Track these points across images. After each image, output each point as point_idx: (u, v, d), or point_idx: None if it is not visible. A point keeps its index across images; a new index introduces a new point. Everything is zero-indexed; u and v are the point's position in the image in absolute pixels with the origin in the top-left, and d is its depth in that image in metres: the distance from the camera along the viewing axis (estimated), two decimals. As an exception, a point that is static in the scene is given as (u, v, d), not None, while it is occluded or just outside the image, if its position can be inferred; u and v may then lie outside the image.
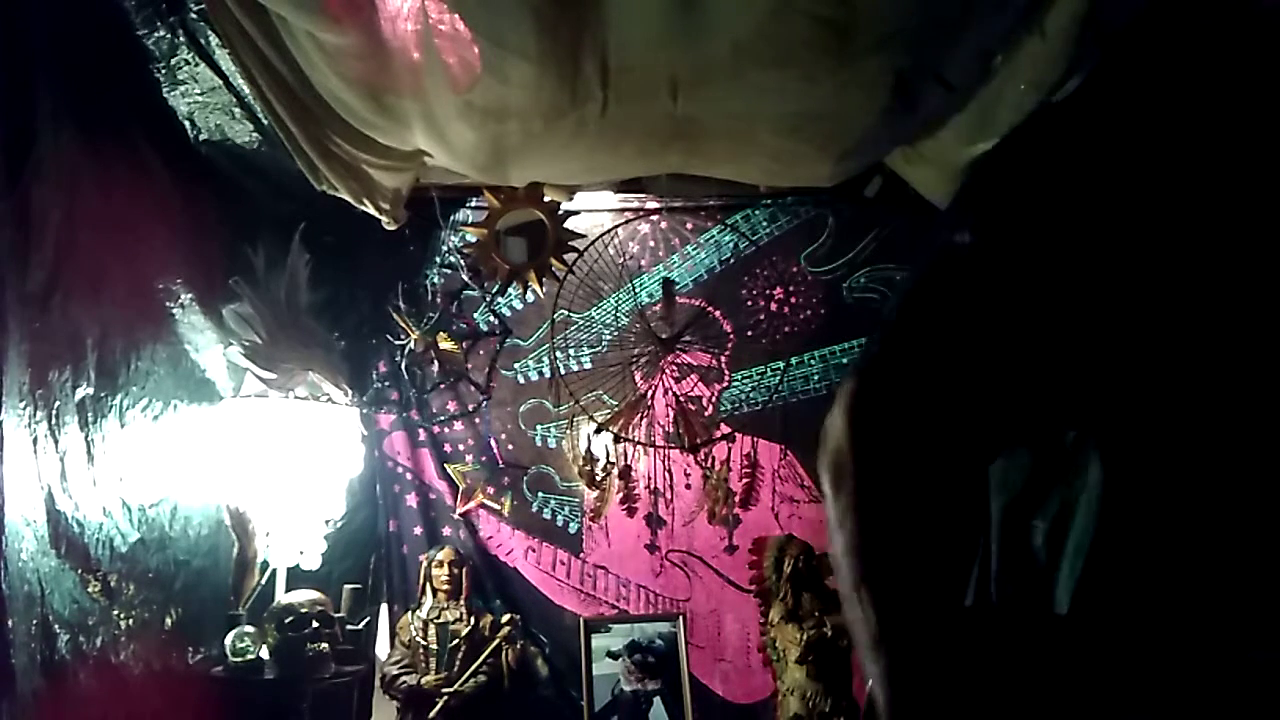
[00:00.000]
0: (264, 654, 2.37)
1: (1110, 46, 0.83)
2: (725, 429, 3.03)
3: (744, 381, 3.07)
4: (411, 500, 3.03)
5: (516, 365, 3.11)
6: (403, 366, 3.05)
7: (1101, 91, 0.83)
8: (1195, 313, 0.70)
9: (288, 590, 2.53)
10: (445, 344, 3.03)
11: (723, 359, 3.08)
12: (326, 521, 2.66)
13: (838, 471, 0.80)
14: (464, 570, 2.84)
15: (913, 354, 0.80)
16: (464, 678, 2.66)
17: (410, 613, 2.81)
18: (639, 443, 3.04)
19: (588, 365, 3.10)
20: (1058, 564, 0.73)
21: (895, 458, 0.78)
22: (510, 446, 3.08)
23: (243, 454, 2.44)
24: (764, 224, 3.12)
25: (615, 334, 3.10)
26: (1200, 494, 0.68)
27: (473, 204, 3.10)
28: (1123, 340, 0.73)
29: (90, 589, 1.88)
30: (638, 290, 3.11)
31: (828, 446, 0.82)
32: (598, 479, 2.98)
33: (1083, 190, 0.75)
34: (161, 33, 2.03)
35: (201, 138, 2.36)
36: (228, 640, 2.33)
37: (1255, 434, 0.68)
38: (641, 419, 3.06)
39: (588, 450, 3.00)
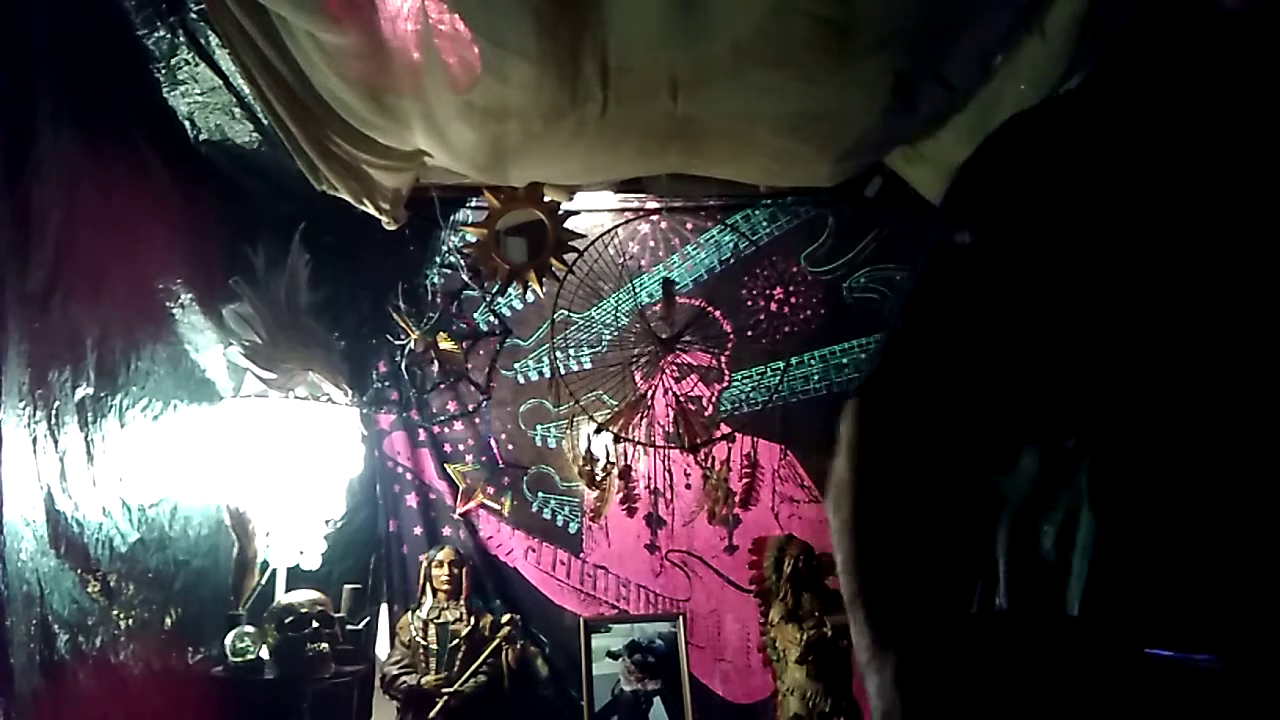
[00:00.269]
0: (264, 654, 2.37)
1: (1108, 47, 0.83)
2: (725, 429, 3.03)
3: (744, 381, 3.07)
4: (411, 500, 3.02)
5: (516, 365, 3.11)
6: (403, 366, 3.05)
7: (1089, 91, 0.83)
8: (1186, 312, 0.70)
9: (288, 590, 2.52)
10: (445, 344, 3.03)
11: (723, 359, 3.08)
12: (326, 521, 2.65)
13: (838, 491, 0.81)
14: (464, 570, 2.84)
15: (914, 367, 0.81)
16: (464, 678, 2.66)
17: (410, 613, 2.81)
18: (639, 443, 3.04)
19: (588, 365, 3.10)
20: (1068, 566, 0.73)
21: (893, 476, 0.79)
22: (510, 446, 3.08)
23: (243, 454, 2.44)
24: (764, 224, 3.12)
25: (615, 334, 3.10)
26: (1199, 493, 0.68)
27: (473, 204, 3.10)
28: (1116, 340, 0.72)
29: (90, 589, 1.88)
30: (638, 290, 3.11)
31: (833, 468, 0.83)
32: (598, 479, 2.98)
33: (1066, 191, 0.75)
34: (161, 33, 2.03)
35: (201, 138, 2.36)
36: (228, 640, 2.33)
37: (1255, 429, 0.68)
38: (641, 419, 3.06)
39: (588, 450, 3.00)
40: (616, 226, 3.12)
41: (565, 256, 3.00)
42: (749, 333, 3.08)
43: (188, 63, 2.12)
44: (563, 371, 3.08)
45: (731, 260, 3.11)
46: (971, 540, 0.81)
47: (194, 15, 1.99)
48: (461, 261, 3.06)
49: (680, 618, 2.92)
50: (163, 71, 2.14)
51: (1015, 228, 0.76)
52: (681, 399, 3.06)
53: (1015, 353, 0.77)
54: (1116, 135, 0.75)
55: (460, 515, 2.99)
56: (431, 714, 2.61)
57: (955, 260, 0.81)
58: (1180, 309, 0.70)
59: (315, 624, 2.41)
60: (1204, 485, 0.68)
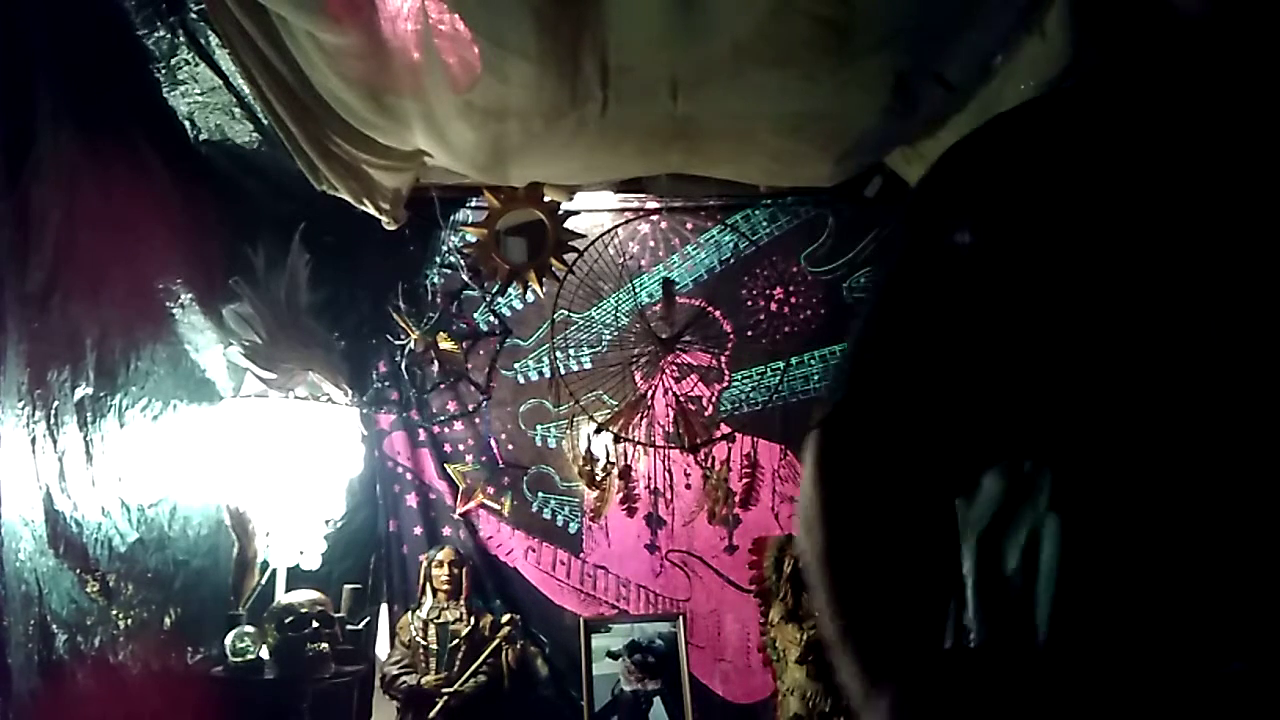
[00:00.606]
0: (264, 654, 2.37)
1: (1098, 49, 0.82)
2: (725, 429, 3.03)
3: (744, 381, 3.07)
4: (411, 500, 3.02)
5: (516, 365, 3.11)
6: (403, 366, 3.05)
7: (1059, 98, 0.82)
8: (1147, 327, 0.68)
9: (288, 590, 2.52)
10: (445, 344, 3.03)
11: (723, 359, 3.08)
12: (326, 521, 2.65)
13: (808, 526, 0.79)
14: (464, 570, 2.84)
15: (877, 390, 0.79)
16: (464, 678, 2.66)
17: (410, 613, 2.81)
18: (639, 443, 3.04)
19: (588, 365, 3.09)
20: (1034, 590, 0.71)
21: (865, 508, 0.77)
22: (510, 446, 3.08)
23: (243, 454, 2.44)
24: (764, 224, 3.12)
25: (615, 334, 3.10)
26: (1164, 509, 0.66)
27: (473, 204, 3.09)
28: (1076, 357, 0.71)
29: (89, 589, 1.88)
30: (638, 290, 3.11)
31: (800, 501, 0.81)
32: (598, 479, 2.98)
33: (1029, 202, 0.73)
34: (161, 33, 2.03)
35: (201, 138, 2.36)
36: (228, 640, 2.33)
37: (1222, 445, 0.66)
38: (641, 419, 3.05)
39: (588, 450, 3.00)
40: (616, 226, 3.12)
41: (565, 256, 3.00)
42: (749, 333, 3.08)
43: (188, 63, 2.12)
44: (563, 371, 3.08)
45: (731, 260, 3.11)
46: (943, 567, 0.79)
47: (194, 15, 1.99)
48: (461, 261, 3.06)
49: (680, 618, 2.92)
50: (163, 71, 2.14)
51: (976, 241, 0.75)
52: (681, 399, 3.06)
53: (977, 370, 0.75)
54: (1086, 144, 0.74)
55: (460, 515, 2.99)
56: (431, 714, 2.61)
57: (916, 275, 0.79)
58: (1144, 323, 0.68)
59: (315, 624, 2.41)
60: (1171, 503, 0.66)
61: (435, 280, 3.10)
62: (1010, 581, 0.72)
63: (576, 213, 3.05)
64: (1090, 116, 0.76)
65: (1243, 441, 0.65)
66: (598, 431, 3.02)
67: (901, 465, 0.77)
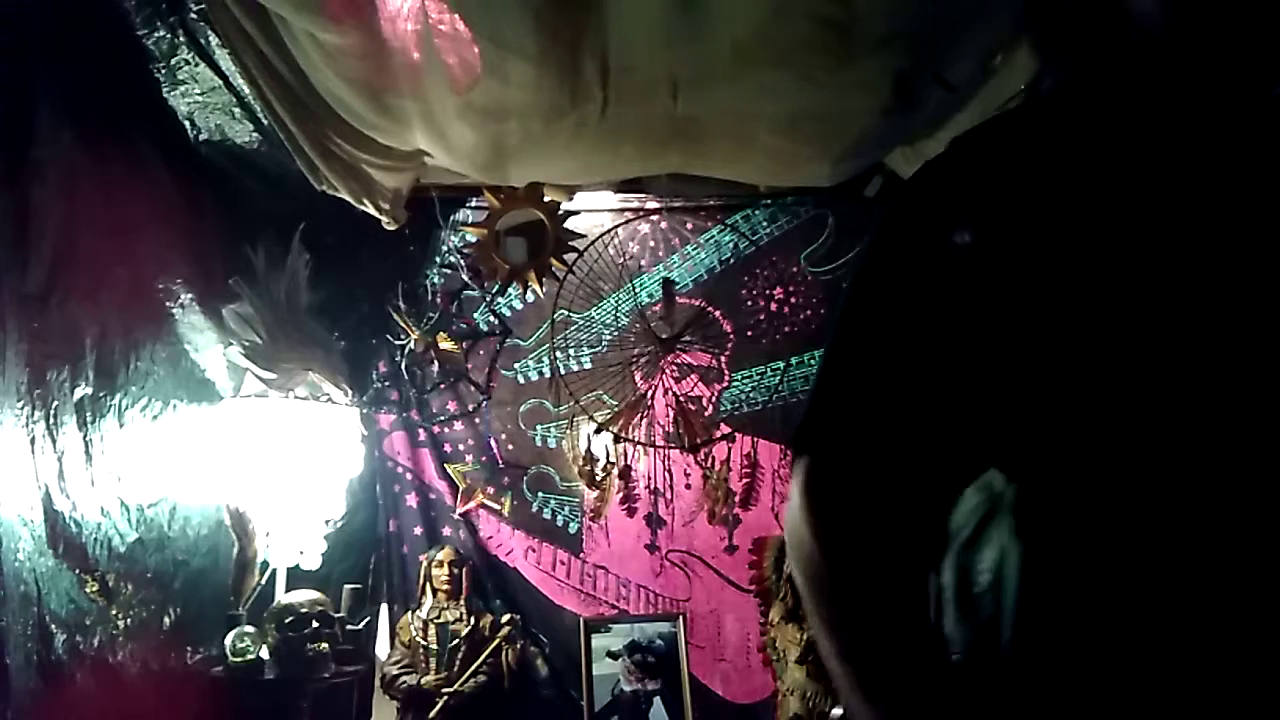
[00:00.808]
0: (264, 654, 2.36)
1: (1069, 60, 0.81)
2: (725, 429, 3.03)
3: (744, 381, 3.07)
4: (411, 500, 3.02)
5: (516, 365, 3.11)
6: (403, 366, 3.05)
7: (1034, 108, 0.81)
8: (1109, 345, 0.67)
9: (288, 590, 2.52)
10: (445, 344, 3.03)
11: (723, 359, 3.08)
12: (326, 521, 2.65)
13: (807, 564, 0.77)
14: (464, 570, 2.84)
15: (857, 407, 0.77)
16: (464, 678, 2.66)
17: (410, 613, 2.81)
18: (639, 443, 3.04)
19: (588, 365, 3.09)
20: (999, 603, 0.70)
21: (866, 547, 0.75)
22: (510, 446, 3.08)
23: (243, 454, 2.44)
24: (764, 224, 3.12)
25: (615, 334, 3.10)
26: (1126, 540, 0.66)
27: (473, 204, 3.09)
28: (1038, 373, 0.70)
29: (88, 589, 1.88)
30: (638, 290, 3.11)
31: (793, 538, 0.79)
32: (598, 479, 2.98)
33: (1002, 215, 0.73)
34: (161, 33, 2.03)
35: (201, 138, 2.36)
36: (228, 640, 2.32)
37: (1186, 467, 0.65)
38: (641, 419, 3.05)
39: (588, 450, 3.00)
40: (616, 226, 3.12)
41: (565, 256, 3.00)
42: (749, 333, 3.08)
43: (188, 63, 2.12)
44: (563, 371, 3.08)
45: (731, 260, 3.11)
46: (929, 583, 0.78)
47: (194, 15, 1.99)
48: (461, 261, 3.06)
49: (680, 618, 2.92)
50: (163, 71, 2.14)
51: (950, 250, 0.74)
52: (681, 399, 3.06)
53: (948, 381, 0.74)
54: (1055, 156, 0.73)
55: (460, 515, 2.99)
56: (431, 714, 2.61)
57: (889, 284, 0.78)
58: (1105, 340, 0.67)
59: (315, 624, 2.41)
60: (1131, 533, 0.65)
61: (435, 280, 3.10)
62: (981, 597, 0.72)
63: (576, 213, 3.05)
64: (1058, 128, 0.75)
65: (1209, 464, 0.64)
66: (598, 431, 3.02)
67: (891, 484, 0.76)
